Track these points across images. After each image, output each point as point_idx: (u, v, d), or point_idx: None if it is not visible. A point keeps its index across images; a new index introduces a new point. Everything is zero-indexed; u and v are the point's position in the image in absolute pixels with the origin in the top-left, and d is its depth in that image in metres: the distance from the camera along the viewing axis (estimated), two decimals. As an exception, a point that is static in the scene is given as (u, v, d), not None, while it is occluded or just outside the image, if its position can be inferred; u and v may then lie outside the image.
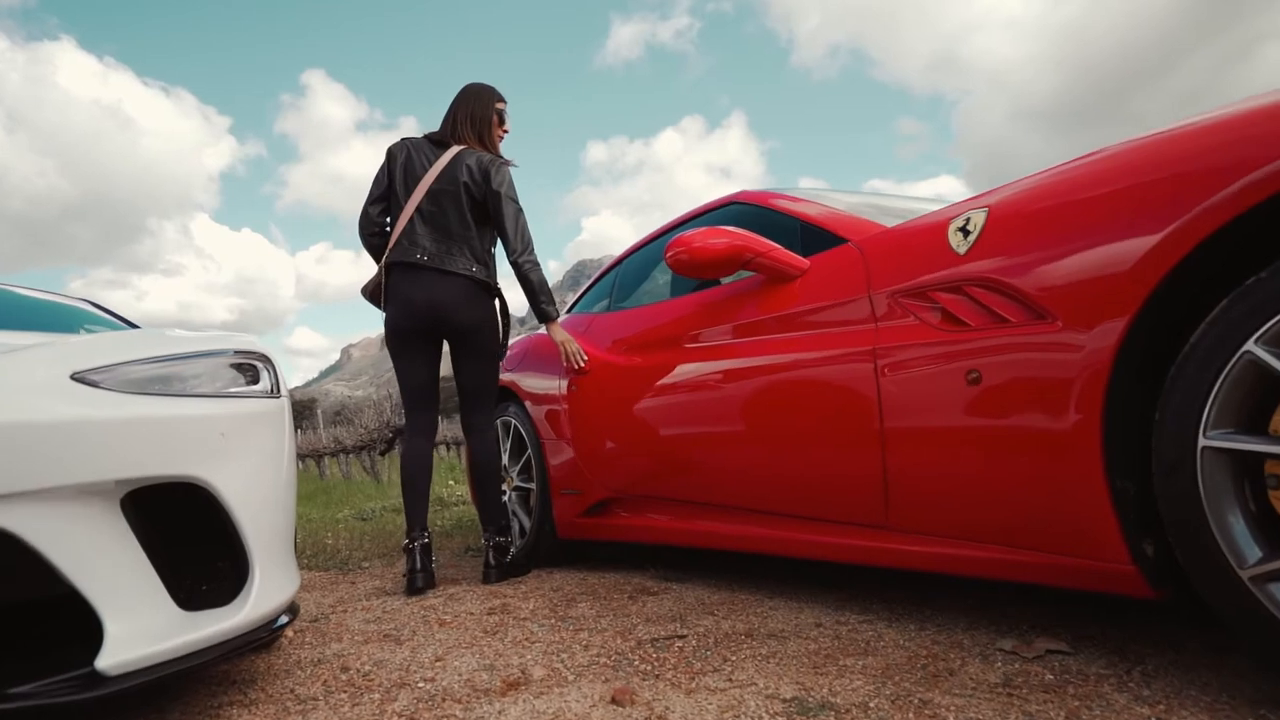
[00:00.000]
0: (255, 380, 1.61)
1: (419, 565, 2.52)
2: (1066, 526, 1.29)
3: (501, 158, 2.70)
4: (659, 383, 2.29)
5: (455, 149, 2.67)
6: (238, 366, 1.58)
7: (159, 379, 1.34)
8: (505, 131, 2.80)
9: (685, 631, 1.73)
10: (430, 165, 2.65)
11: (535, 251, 2.63)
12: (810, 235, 1.99)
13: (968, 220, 1.48)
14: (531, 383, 2.96)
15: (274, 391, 1.63)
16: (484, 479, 2.69)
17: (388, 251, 2.66)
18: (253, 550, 1.38)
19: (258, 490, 1.42)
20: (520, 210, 2.63)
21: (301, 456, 18.83)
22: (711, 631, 1.72)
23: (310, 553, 3.85)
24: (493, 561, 2.62)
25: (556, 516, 2.77)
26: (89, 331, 2.35)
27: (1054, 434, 1.27)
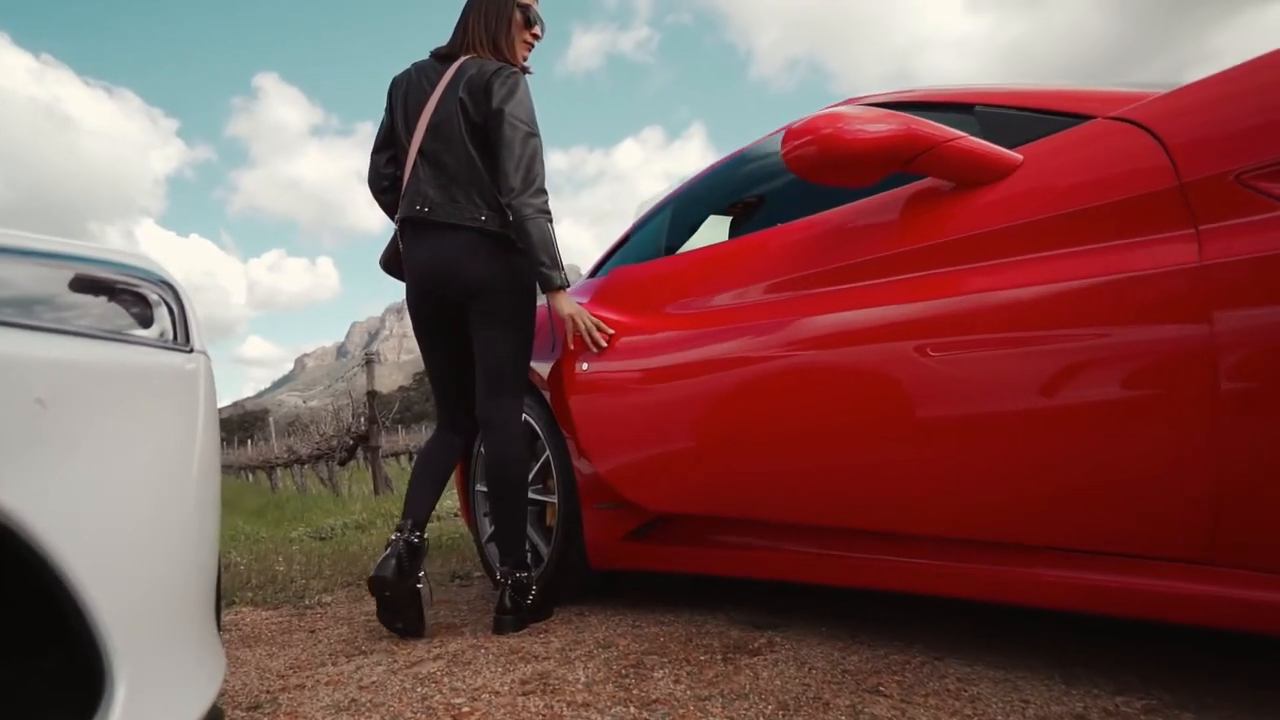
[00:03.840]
0: (145, 319, 0.92)
1: (393, 573, 1.85)
2: None
3: (513, 65, 2.00)
4: (765, 349, 1.60)
5: (461, 61, 2.01)
6: (107, 290, 0.88)
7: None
8: (535, 36, 2.10)
9: (870, 736, 1.07)
10: (433, 90, 2.00)
11: (546, 195, 1.92)
12: (1003, 125, 1.35)
13: None
14: (550, 360, 2.26)
15: (176, 341, 0.94)
16: (503, 492, 1.99)
17: (399, 208, 2.05)
18: (111, 638, 0.68)
19: (127, 519, 0.73)
20: (531, 135, 1.92)
21: (251, 468, 17.73)
22: (908, 733, 1.06)
23: (256, 583, 3.10)
24: (510, 605, 1.92)
25: (589, 539, 2.08)
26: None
27: None
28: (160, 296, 0.94)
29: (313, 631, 2.13)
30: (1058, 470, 1.12)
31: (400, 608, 1.89)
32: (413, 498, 2.02)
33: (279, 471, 13.54)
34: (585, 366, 2.05)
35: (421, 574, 1.92)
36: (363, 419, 8.25)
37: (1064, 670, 1.27)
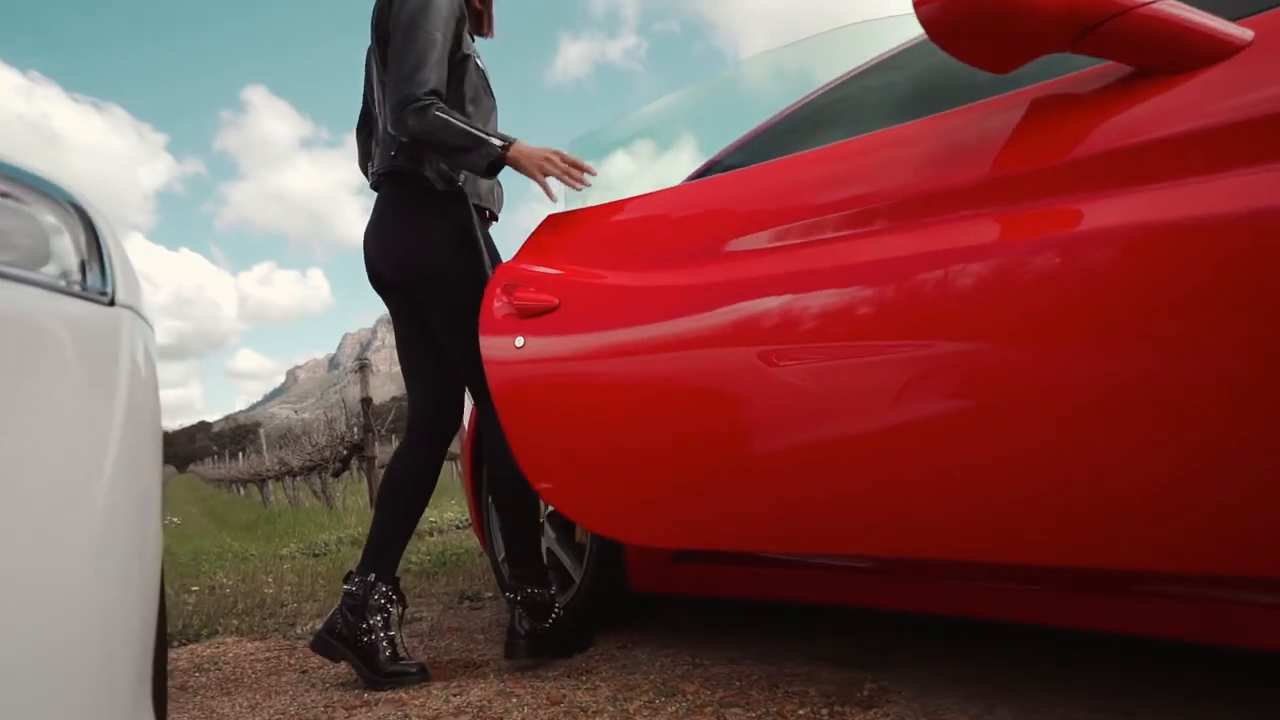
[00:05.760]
0: (37, 253, 0.61)
1: (324, 647, 1.61)
2: None
3: None
4: (802, 310, 1.18)
5: None
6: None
7: None
8: None
9: None
10: None
11: (433, 91, 1.51)
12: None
13: None
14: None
15: (85, 286, 0.62)
16: (508, 499, 1.68)
17: None
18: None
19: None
20: (424, 32, 1.53)
21: (242, 481, 17.39)
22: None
23: (243, 608, 2.78)
24: (523, 629, 1.61)
25: (631, 559, 1.76)
26: None
27: None
28: (62, 222, 0.62)
29: (304, 671, 1.80)
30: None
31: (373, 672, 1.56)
32: (373, 542, 1.67)
33: (271, 484, 13.15)
34: (521, 343, 1.53)
35: (367, 625, 1.58)
36: (356, 429, 7.90)
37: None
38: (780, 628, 1.73)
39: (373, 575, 1.62)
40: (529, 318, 1.52)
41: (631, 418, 1.39)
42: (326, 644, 1.61)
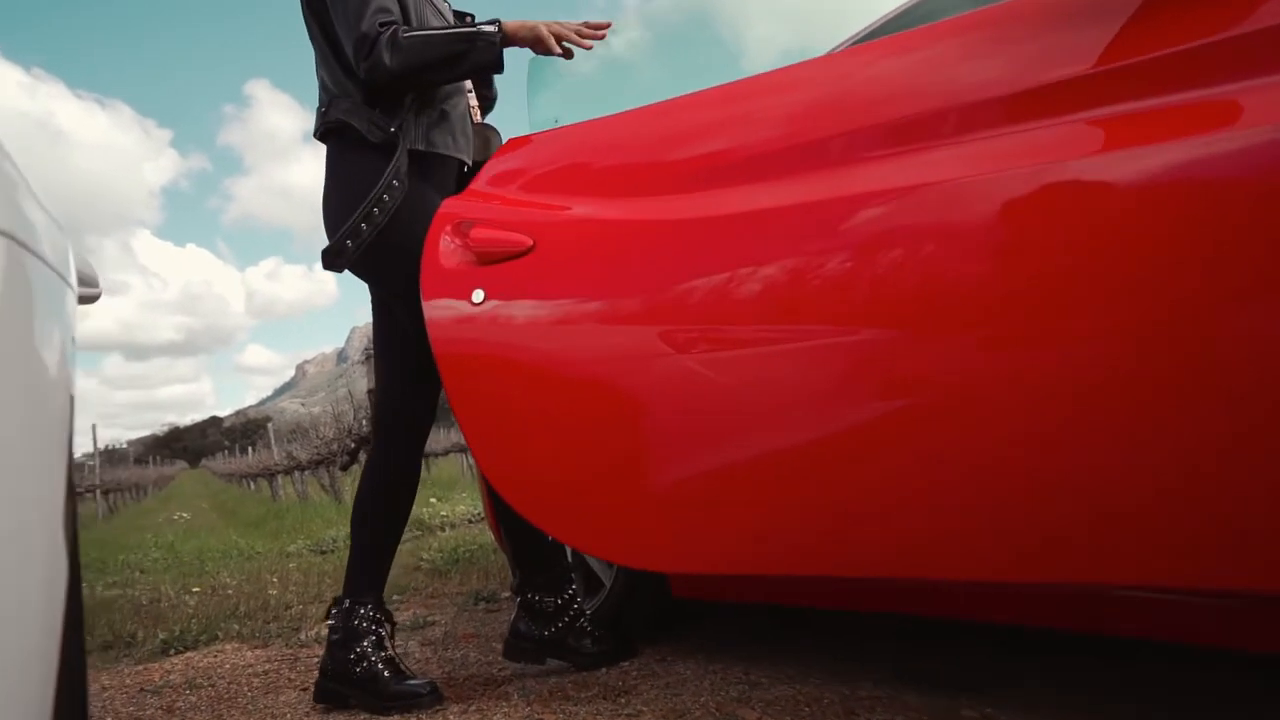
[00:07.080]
0: None
1: (321, 694, 1.45)
2: None
3: None
4: (862, 245, 0.92)
5: None
6: None
7: None
8: None
9: None
10: None
11: (381, 19, 1.31)
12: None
13: None
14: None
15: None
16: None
17: None
18: None
19: None
20: None
21: (252, 476, 17.34)
22: None
23: (244, 611, 2.60)
24: (524, 629, 1.50)
25: (672, 560, 1.56)
26: None
27: None
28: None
29: (306, 689, 1.61)
30: None
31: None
32: (350, 563, 1.47)
33: (280, 479, 13.01)
34: (480, 298, 1.18)
35: (356, 653, 1.39)
36: (363, 421, 7.73)
37: None
38: (847, 639, 1.53)
39: (348, 601, 1.43)
40: (491, 264, 1.18)
41: (640, 395, 1.06)
42: (326, 691, 1.43)
